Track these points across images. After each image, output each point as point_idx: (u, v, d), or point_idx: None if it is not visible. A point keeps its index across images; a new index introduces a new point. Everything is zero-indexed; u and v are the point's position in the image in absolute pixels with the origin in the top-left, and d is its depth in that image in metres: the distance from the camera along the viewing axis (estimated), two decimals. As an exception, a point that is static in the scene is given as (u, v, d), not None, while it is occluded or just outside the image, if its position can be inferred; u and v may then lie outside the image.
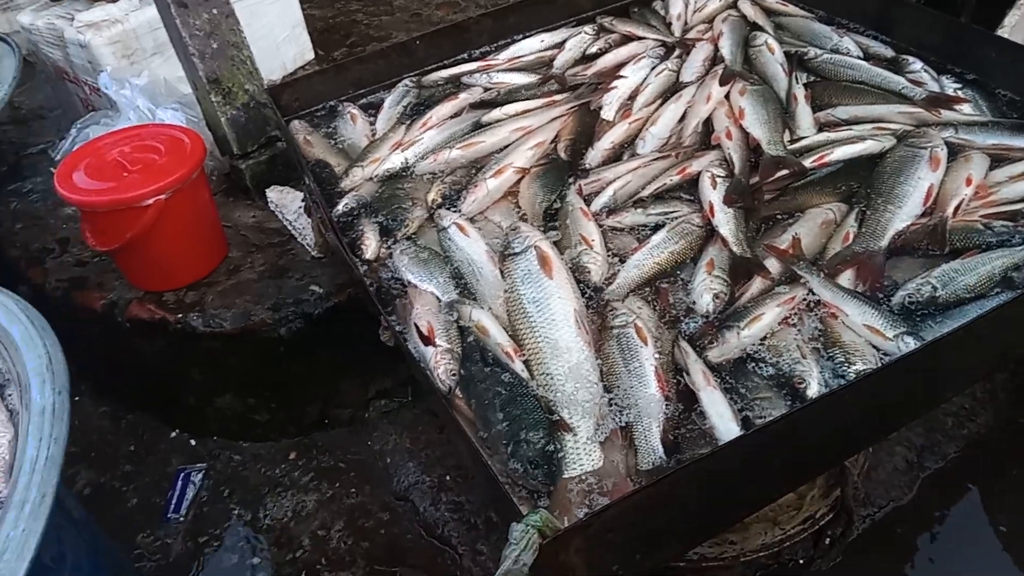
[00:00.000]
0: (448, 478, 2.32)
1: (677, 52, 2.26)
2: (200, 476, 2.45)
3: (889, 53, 2.10)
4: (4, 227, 2.80)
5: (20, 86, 3.10)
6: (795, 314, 1.48)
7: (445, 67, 2.39)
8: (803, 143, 1.86)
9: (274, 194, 2.61)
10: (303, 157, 2.05)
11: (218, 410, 2.51)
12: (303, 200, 2.33)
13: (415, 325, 1.54)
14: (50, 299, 2.49)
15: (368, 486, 2.37)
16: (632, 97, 2.10)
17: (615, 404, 1.36)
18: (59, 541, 1.21)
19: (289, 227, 2.55)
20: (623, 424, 1.33)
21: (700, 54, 2.21)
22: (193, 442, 2.57)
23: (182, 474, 2.44)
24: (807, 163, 1.79)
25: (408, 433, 2.48)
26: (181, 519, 2.33)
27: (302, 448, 2.51)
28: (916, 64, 2.00)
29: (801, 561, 2.01)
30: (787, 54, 2.12)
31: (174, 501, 2.37)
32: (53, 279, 2.54)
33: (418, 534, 2.23)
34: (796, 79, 2.04)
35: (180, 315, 2.32)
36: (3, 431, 1.19)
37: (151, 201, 2.14)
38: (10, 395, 1.24)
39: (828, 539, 2.00)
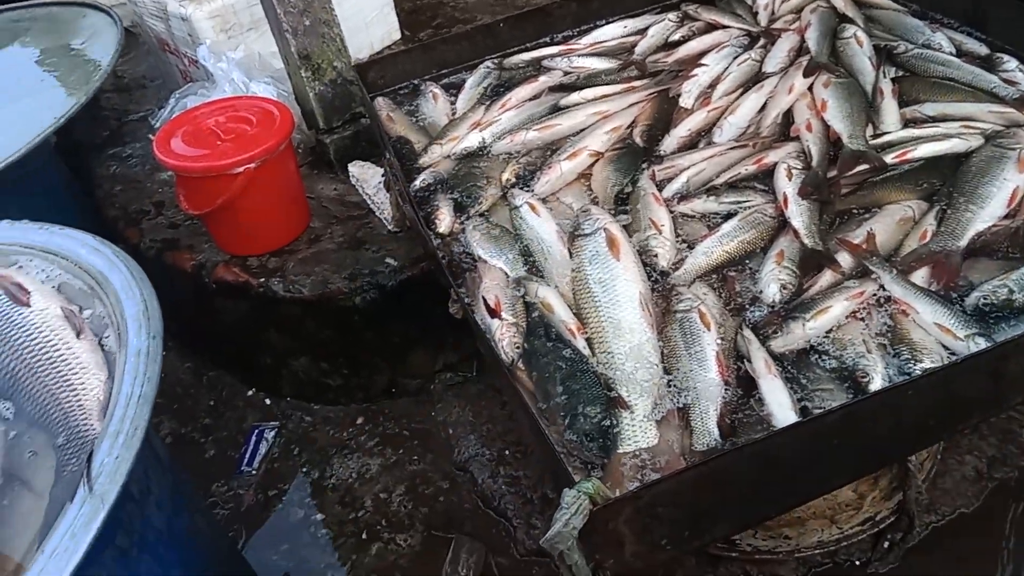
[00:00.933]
0: (507, 453, 2.37)
1: (762, 42, 2.24)
2: (273, 434, 2.57)
3: (983, 51, 2.03)
4: (104, 189, 2.98)
5: (124, 56, 3.28)
6: (863, 309, 1.47)
7: (527, 50, 2.42)
8: (886, 138, 1.83)
9: (356, 169, 2.71)
10: (385, 133, 2.12)
11: (293, 372, 2.62)
12: (383, 175, 2.40)
13: (483, 298, 1.59)
14: (144, 258, 2.64)
15: (430, 455, 2.45)
16: (712, 86, 2.10)
17: (674, 386, 1.38)
18: (146, 475, 1.31)
19: (368, 201, 2.64)
20: (680, 405, 1.35)
21: (785, 44, 2.19)
22: (268, 401, 2.70)
23: (256, 430, 2.57)
24: (888, 159, 1.75)
25: (471, 407, 2.54)
26: (253, 472, 2.46)
27: (370, 414, 2.60)
28: (1011, 63, 1.93)
29: (857, 562, 1.99)
30: (876, 47, 2.08)
31: (248, 455, 2.50)
32: (148, 239, 2.69)
33: (475, 504, 2.30)
34: (884, 73, 2.00)
35: (262, 279, 2.44)
36: (99, 373, 1.29)
37: (241, 169, 2.25)
38: (107, 337, 1.35)
39: (887, 543, 1.97)
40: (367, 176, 2.67)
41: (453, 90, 2.31)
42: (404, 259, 2.43)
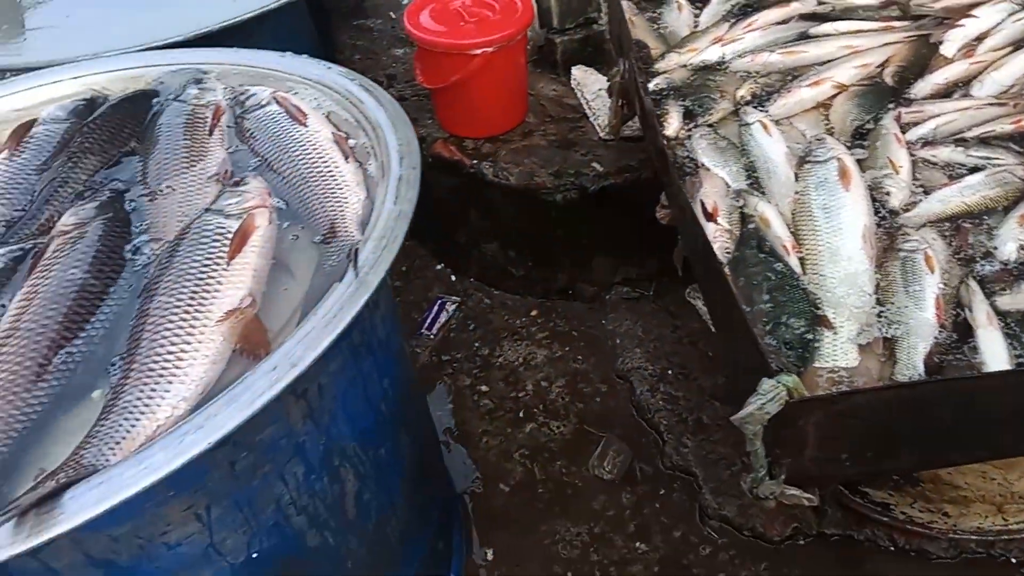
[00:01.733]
0: (670, 372, 2.43)
1: (1046, 2, 2.07)
2: (454, 307, 2.76)
3: None
4: (345, 55, 3.22)
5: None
6: (1109, 286, 1.39)
7: (784, -25, 2.35)
8: None
9: (578, 72, 2.77)
10: (627, 34, 2.16)
11: (483, 255, 2.78)
12: (608, 81, 2.45)
13: (701, 201, 1.63)
14: (372, 123, 2.84)
15: (594, 358, 2.55)
16: (979, 39, 1.97)
17: (884, 317, 1.38)
18: (378, 291, 1.47)
19: (585, 106, 2.70)
20: (888, 336, 1.35)
21: (1073, 9, 2.01)
22: (453, 278, 2.89)
23: (440, 301, 2.77)
24: None
25: (642, 323, 2.61)
26: (432, 336, 2.66)
27: (544, 309, 2.73)
28: None
29: (1013, 560, 1.92)
30: None
31: (429, 320, 2.71)
32: (378, 107, 2.89)
33: (630, 412, 2.39)
34: None
35: (475, 161, 2.58)
36: (359, 192, 1.46)
37: (479, 52, 2.37)
38: (370, 165, 1.51)
39: (1055, 548, 1.89)
40: (588, 81, 2.73)
41: (699, 3, 2.30)
42: (610, 167, 2.49)
